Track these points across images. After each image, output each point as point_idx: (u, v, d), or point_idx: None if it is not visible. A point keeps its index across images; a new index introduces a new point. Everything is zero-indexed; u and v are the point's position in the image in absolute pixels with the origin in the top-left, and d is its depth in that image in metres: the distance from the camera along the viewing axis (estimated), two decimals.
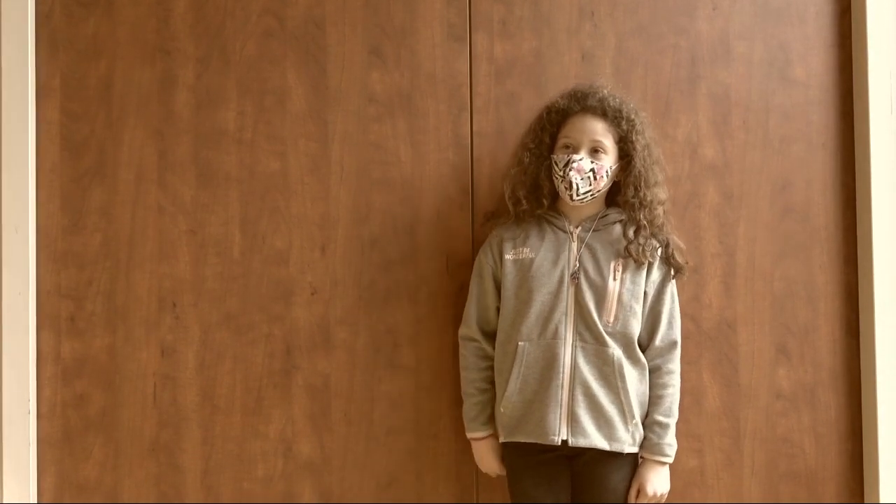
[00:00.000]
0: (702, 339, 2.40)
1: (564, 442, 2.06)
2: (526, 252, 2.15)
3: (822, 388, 2.42)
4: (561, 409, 2.06)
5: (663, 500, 2.16)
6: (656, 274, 2.16)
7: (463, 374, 2.25)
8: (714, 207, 2.42)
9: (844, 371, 2.43)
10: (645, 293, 2.14)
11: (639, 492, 2.13)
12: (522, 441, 2.11)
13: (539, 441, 2.08)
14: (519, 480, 2.16)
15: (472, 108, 2.41)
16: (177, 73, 2.41)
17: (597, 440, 2.07)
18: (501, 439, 2.17)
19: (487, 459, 2.23)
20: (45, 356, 2.38)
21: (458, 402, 2.35)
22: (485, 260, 2.22)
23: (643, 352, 2.14)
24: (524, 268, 2.14)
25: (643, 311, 2.15)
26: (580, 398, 2.06)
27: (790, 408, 2.41)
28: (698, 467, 2.39)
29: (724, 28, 2.44)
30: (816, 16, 2.45)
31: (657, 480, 2.13)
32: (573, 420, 2.06)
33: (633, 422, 2.09)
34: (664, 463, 2.13)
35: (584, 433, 2.06)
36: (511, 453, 2.18)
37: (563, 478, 2.13)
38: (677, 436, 2.14)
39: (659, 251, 2.16)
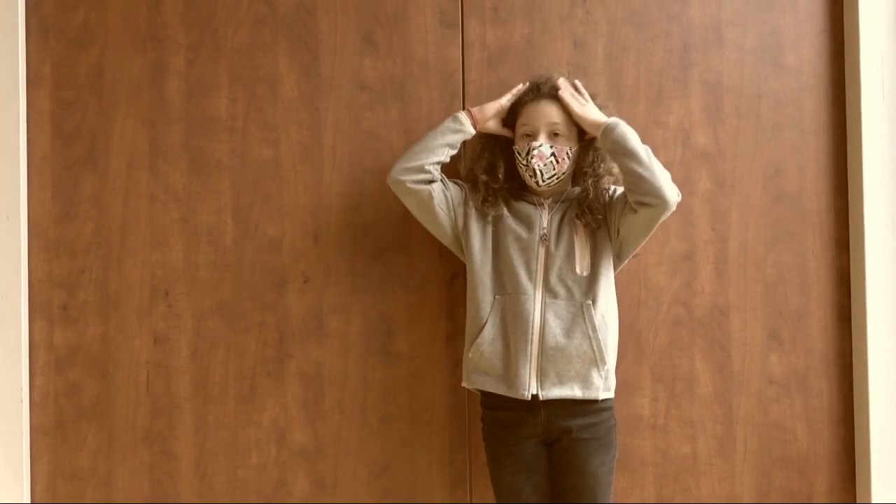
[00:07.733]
0: (694, 325, 2.40)
1: (535, 397, 2.09)
2: (501, 209, 2.19)
3: (815, 374, 2.43)
4: (530, 364, 2.10)
5: (573, 93, 2.17)
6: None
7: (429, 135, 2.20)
8: (706, 194, 2.42)
9: (837, 356, 2.43)
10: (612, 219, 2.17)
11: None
12: (491, 391, 2.14)
13: (510, 395, 2.11)
14: (499, 469, 2.18)
15: (465, 95, 2.40)
16: (168, 61, 2.40)
17: (567, 391, 2.10)
18: (468, 384, 2.19)
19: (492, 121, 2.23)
20: (38, 345, 2.38)
21: (451, 388, 2.36)
22: (457, 193, 2.23)
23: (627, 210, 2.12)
24: (496, 222, 2.19)
25: (618, 223, 2.15)
26: (549, 353, 2.10)
27: (782, 393, 2.42)
28: (691, 453, 2.40)
29: (716, 15, 2.44)
30: (808, 2, 2.45)
31: (588, 105, 2.16)
32: (542, 375, 2.10)
33: (605, 367, 2.12)
34: (603, 119, 2.12)
35: (554, 386, 2.10)
36: (491, 442, 2.20)
37: (541, 465, 2.16)
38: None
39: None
